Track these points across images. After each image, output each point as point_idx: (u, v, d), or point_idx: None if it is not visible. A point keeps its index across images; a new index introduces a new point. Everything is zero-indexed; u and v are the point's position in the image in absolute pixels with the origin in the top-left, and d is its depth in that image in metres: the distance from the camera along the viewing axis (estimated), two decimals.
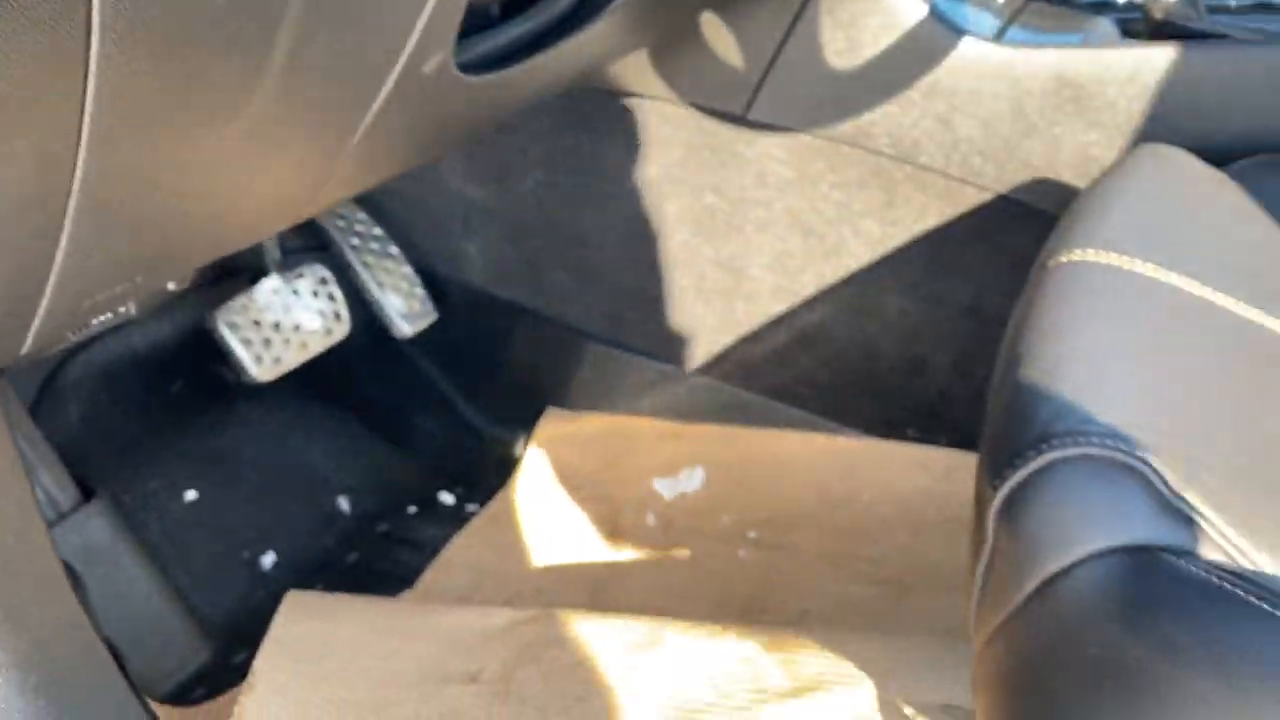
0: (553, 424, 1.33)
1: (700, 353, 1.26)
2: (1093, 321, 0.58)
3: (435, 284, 1.34)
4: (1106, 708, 0.44)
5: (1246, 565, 0.45)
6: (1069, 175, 1.01)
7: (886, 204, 1.10)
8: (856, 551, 1.13)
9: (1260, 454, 0.51)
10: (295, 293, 1.15)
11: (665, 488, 1.24)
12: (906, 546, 1.11)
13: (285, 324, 1.14)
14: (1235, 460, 0.50)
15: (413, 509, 1.25)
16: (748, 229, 1.17)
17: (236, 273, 1.23)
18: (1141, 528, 0.46)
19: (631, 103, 1.15)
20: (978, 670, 0.52)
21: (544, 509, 1.23)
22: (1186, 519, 0.46)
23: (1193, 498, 0.47)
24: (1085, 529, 0.46)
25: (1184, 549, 0.45)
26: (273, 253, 1.20)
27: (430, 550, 1.17)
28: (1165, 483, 0.47)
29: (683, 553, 1.16)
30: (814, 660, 0.78)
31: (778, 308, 1.20)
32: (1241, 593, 0.43)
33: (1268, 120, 0.92)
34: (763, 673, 0.77)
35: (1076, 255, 0.67)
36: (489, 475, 1.31)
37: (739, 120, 1.11)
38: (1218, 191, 0.80)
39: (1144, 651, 0.43)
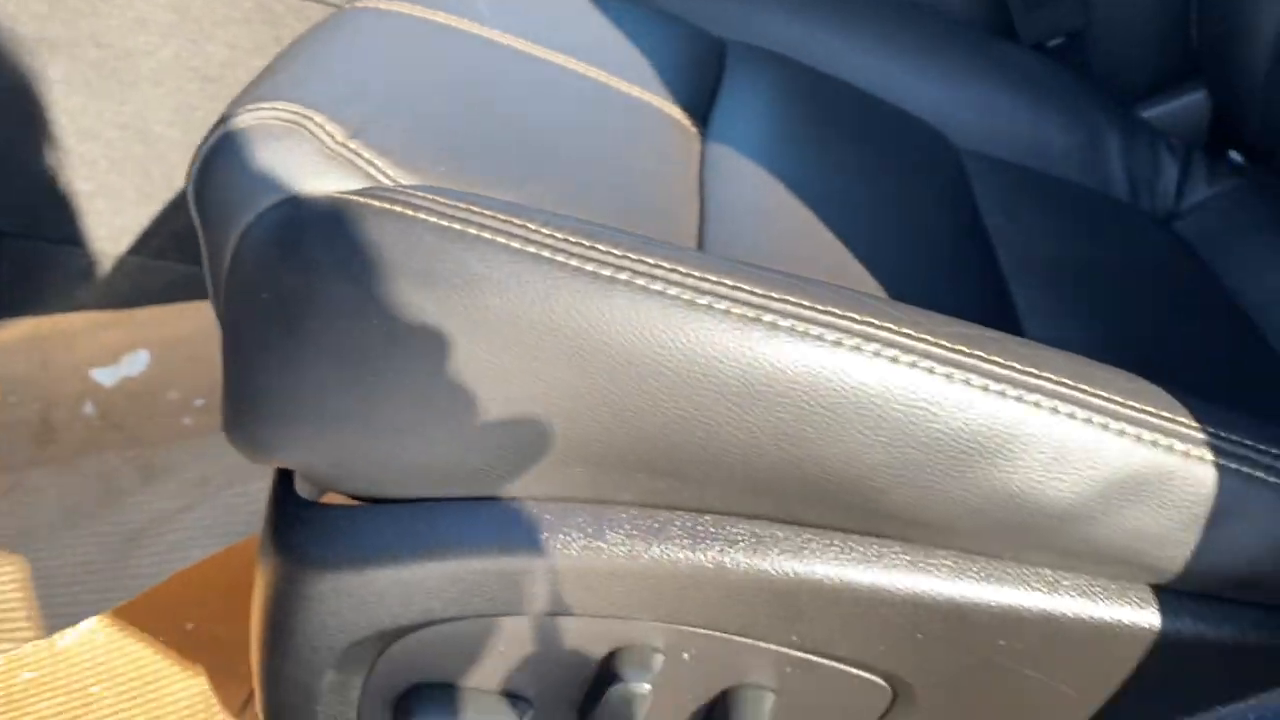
0: None
1: (128, 229, 1.18)
2: (331, 42, 0.59)
3: None
4: (275, 341, 0.45)
5: None
6: None
7: (276, 40, 1.07)
8: None
9: (446, 119, 0.54)
10: None
11: (105, 376, 1.16)
12: None
13: None
14: (418, 124, 0.52)
15: None
16: (142, 83, 1.10)
17: None
18: (306, 179, 0.47)
19: None
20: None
21: None
22: (350, 166, 0.48)
23: (358, 147, 0.48)
24: (256, 189, 0.46)
25: (342, 190, 0.47)
26: None
27: None
28: (331, 138, 0.48)
29: (120, 435, 1.09)
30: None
31: None
32: (365, 199, 0.45)
33: None
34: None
35: (363, 4, 0.68)
36: None
37: None
38: None
39: (296, 278, 0.44)
